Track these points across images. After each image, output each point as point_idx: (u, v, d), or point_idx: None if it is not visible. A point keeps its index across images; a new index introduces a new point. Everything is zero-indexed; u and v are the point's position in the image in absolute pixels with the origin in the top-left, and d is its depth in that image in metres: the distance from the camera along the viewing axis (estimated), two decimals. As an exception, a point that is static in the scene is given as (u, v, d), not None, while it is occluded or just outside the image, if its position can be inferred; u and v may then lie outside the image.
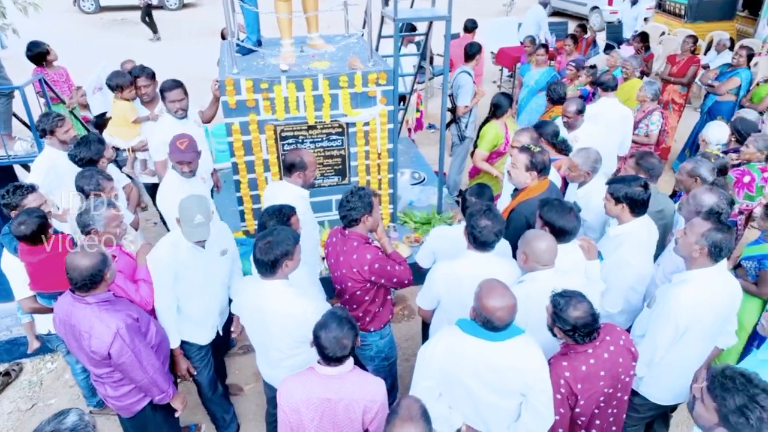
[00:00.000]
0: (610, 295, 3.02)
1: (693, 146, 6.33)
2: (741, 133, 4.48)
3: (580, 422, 2.45)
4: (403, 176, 6.05)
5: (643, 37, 8.06)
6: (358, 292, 2.97)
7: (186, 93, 4.09)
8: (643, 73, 6.29)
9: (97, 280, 2.50)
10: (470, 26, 7.98)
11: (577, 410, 2.39)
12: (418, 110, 7.14)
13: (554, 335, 2.40)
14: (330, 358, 2.20)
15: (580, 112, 4.46)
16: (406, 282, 3.01)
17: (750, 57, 6.54)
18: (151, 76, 4.63)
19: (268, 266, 2.52)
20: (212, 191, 4.57)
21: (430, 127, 8.19)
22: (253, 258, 2.55)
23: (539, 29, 9.57)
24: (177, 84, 4.04)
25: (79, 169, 3.49)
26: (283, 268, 2.56)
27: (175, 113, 4.05)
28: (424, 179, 6.11)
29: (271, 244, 2.51)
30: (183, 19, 16.25)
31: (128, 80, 4.56)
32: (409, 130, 7.15)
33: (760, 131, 4.63)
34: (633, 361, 2.46)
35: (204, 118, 4.51)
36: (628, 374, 2.45)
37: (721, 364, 1.89)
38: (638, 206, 3.00)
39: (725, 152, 4.35)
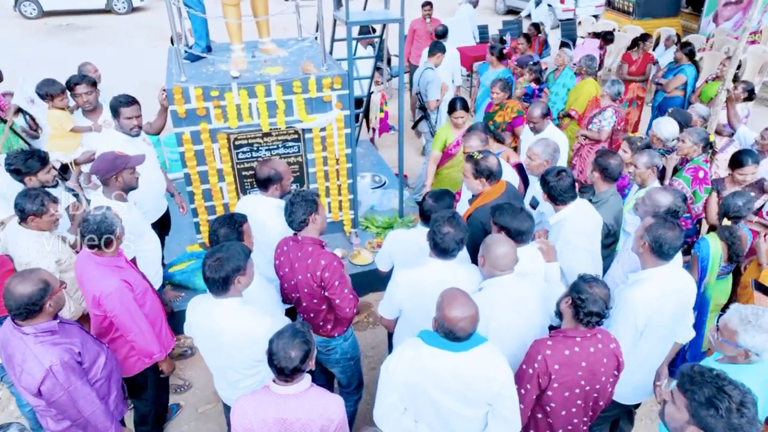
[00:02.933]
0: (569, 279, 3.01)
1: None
2: (681, 124, 4.56)
3: (548, 408, 2.41)
4: (364, 180, 5.97)
5: (609, 35, 8.43)
6: (315, 300, 2.89)
7: (140, 109, 3.87)
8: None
9: (34, 310, 2.31)
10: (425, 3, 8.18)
11: (549, 393, 2.36)
12: (382, 110, 7.00)
13: (557, 315, 2.45)
14: (280, 370, 2.11)
15: (545, 115, 4.51)
16: (347, 310, 2.88)
17: (691, 54, 6.69)
18: (93, 83, 4.40)
19: (220, 283, 2.41)
20: (164, 217, 4.32)
21: (391, 128, 8.13)
22: (203, 276, 2.42)
23: (473, 29, 9.69)
24: (132, 100, 3.79)
25: (9, 187, 3.26)
26: (235, 284, 2.44)
27: (130, 131, 3.81)
28: (384, 182, 6.05)
29: (221, 260, 2.39)
30: (133, 24, 15.71)
31: (59, 88, 4.33)
32: (374, 130, 7.04)
33: (692, 121, 4.76)
34: (616, 369, 2.43)
35: (152, 129, 4.29)
36: (608, 379, 2.42)
37: (690, 363, 1.88)
38: (555, 193, 3.08)
39: (670, 150, 4.41)
